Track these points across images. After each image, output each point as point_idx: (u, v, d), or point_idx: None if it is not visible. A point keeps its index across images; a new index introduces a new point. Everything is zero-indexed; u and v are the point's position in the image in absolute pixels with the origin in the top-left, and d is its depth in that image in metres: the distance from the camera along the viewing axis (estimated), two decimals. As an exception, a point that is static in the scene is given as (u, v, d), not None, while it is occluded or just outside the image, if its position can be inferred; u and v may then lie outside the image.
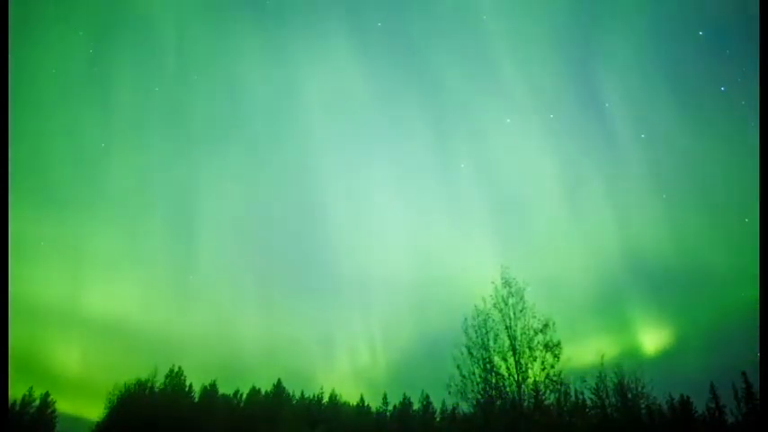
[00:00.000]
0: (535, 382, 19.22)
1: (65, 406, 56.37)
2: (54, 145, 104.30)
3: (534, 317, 20.16)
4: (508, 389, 19.37)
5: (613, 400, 32.16)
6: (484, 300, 21.20)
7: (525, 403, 19.09)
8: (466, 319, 21.12)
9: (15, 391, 52.07)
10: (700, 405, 44.95)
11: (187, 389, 56.88)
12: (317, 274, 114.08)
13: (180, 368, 56.51)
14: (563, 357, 19.41)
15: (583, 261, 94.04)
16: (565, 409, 21.27)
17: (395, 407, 59.36)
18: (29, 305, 75.03)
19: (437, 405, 56.88)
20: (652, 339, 64.57)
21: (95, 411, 49.50)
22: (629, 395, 31.18)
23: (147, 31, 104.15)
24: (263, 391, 61.31)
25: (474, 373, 20.04)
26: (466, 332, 20.85)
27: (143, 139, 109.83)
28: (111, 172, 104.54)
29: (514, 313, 20.41)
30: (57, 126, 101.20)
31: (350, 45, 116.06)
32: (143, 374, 51.68)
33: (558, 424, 20.96)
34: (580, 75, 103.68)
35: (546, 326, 19.87)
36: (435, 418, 56.34)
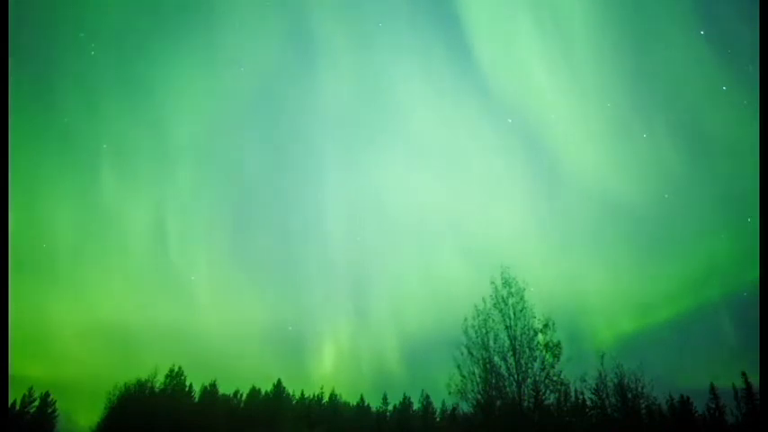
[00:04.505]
0: (535, 382, 19.21)
1: (65, 406, 56.40)
2: (53, 145, 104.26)
3: (534, 317, 20.18)
4: (508, 389, 19.36)
5: (613, 400, 32.09)
6: (484, 300, 21.25)
7: (525, 403, 19.08)
8: (466, 318, 21.17)
9: (15, 392, 52.20)
10: (700, 405, 45.03)
11: (187, 389, 56.90)
12: (316, 270, 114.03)
13: (180, 368, 56.54)
14: (563, 357, 19.45)
15: (579, 261, 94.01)
16: (565, 409, 21.25)
17: (395, 407, 59.43)
18: (29, 305, 75.08)
19: (437, 405, 57.02)
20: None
21: (95, 411, 49.49)
22: (629, 395, 31.11)
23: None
24: (263, 391, 61.40)
25: (474, 373, 20.07)
26: (466, 332, 20.88)
27: (141, 140, 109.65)
28: (111, 171, 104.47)
29: (514, 313, 20.42)
30: (55, 126, 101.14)
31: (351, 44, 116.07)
32: (143, 374, 51.71)
33: (558, 424, 20.94)
34: (581, 75, 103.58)
35: (546, 326, 19.88)
36: (435, 418, 56.38)
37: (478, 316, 20.99)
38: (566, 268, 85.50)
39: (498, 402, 19.57)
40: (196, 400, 56.49)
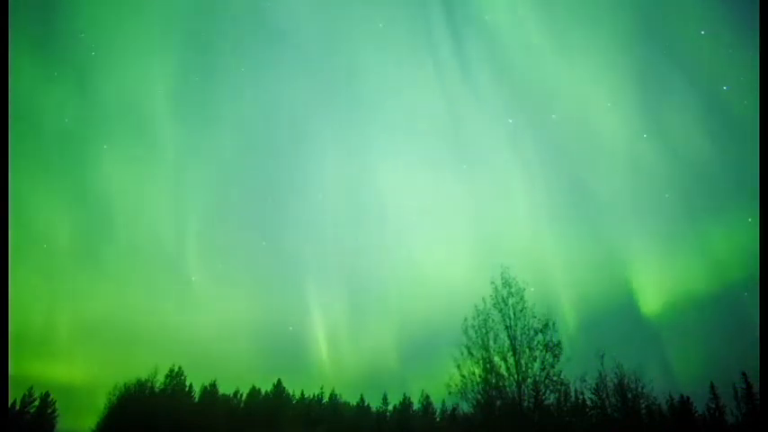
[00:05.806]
0: (535, 382, 19.21)
1: (65, 406, 56.39)
2: (53, 145, 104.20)
3: (534, 317, 20.18)
4: (508, 389, 19.37)
5: (613, 400, 32.15)
6: (484, 300, 21.27)
7: (525, 403, 19.09)
8: (466, 318, 21.20)
9: (15, 392, 52.20)
10: (700, 405, 44.98)
11: (187, 389, 56.90)
12: (316, 270, 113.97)
13: (180, 368, 56.55)
14: (563, 357, 19.45)
15: (580, 264, 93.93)
16: (565, 409, 21.27)
17: (395, 407, 59.41)
18: (29, 305, 75.11)
19: (437, 405, 57.01)
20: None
21: (95, 411, 49.51)
22: (629, 395, 31.17)
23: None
24: (263, 391, 61.38)
25: (474, 373, 20.10)
26: (466, 332, 20.90)
27: (144, 140, 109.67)
28: (111, 172, 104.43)
29: (514, 313, 20.43)
30: (55, 126, 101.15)
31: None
32: (143, 374, 51.73)
33: (558, 424, 20.96)
34: (582, 75, 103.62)
35: (546, 326, 19.87)
36: (435, 418, 56.37)
37: (478, 316, 21.03)
38: (566, 273, 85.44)
39: (498, 402, 19.58)
40: (196, 400, 56.49)
